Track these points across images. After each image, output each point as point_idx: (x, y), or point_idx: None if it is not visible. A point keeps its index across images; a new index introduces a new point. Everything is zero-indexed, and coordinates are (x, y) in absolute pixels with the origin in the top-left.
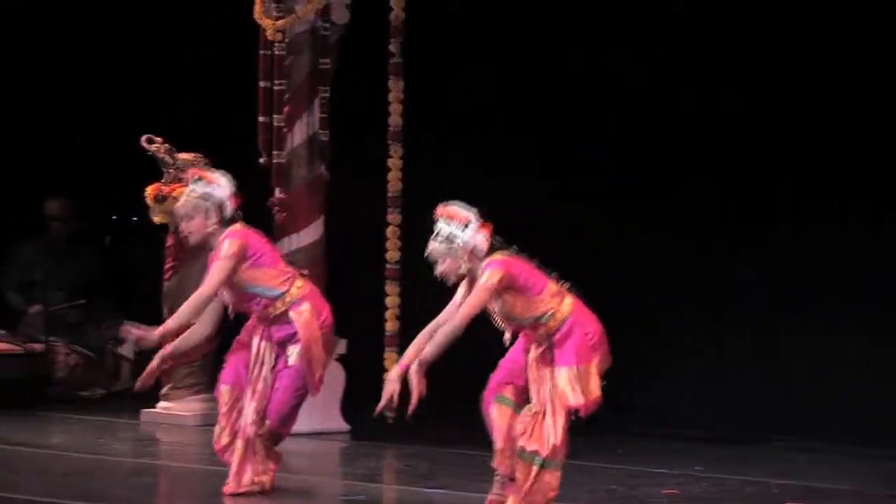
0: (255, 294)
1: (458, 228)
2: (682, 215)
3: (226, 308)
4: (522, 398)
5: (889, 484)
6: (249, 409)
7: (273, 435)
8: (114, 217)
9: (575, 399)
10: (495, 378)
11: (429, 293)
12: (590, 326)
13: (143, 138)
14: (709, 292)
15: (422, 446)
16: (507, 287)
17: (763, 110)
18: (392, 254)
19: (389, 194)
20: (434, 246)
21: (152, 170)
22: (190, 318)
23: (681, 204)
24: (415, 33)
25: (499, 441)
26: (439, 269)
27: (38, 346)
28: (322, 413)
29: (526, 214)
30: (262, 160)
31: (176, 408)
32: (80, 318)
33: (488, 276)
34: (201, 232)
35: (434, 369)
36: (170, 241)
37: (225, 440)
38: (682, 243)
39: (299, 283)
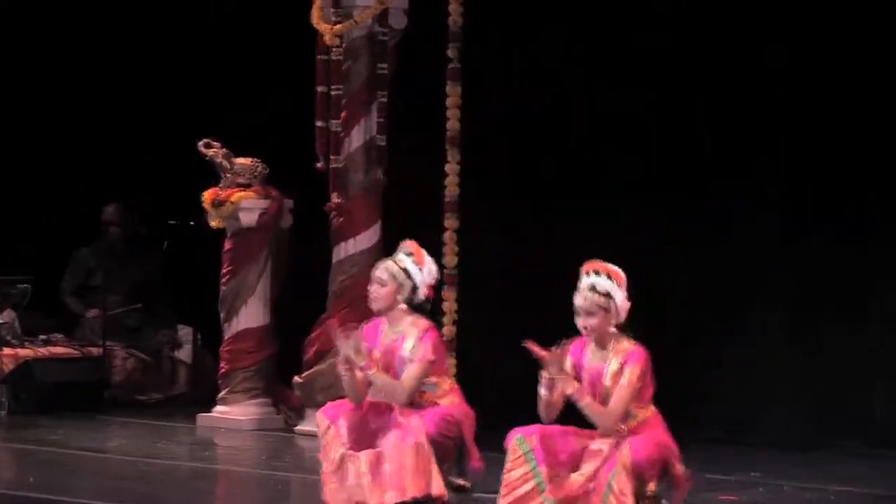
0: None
1: (616, 289)
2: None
3: None
4: (545, 452)
5: None
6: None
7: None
8: (171, 221)
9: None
10: (534, 426)
11: (485, 299)
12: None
13: (201, 143)
14: (767, 293)
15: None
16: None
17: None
18: (449, 259)
19: (447, 199)
20: (592, 298)
21: (210, 174)
22: (385, 397)
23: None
24: (473, 38)
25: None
26: (588, 322)
27: (95, 350)
28: None
29: (576, 215)
30: (319, 165)
31: (232, 412)
32: (138, 322)
33: (636, 372)
34: (388, 301)
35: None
36: (227, 245)
37: None
38: (752, 242)
39: (450, 381)
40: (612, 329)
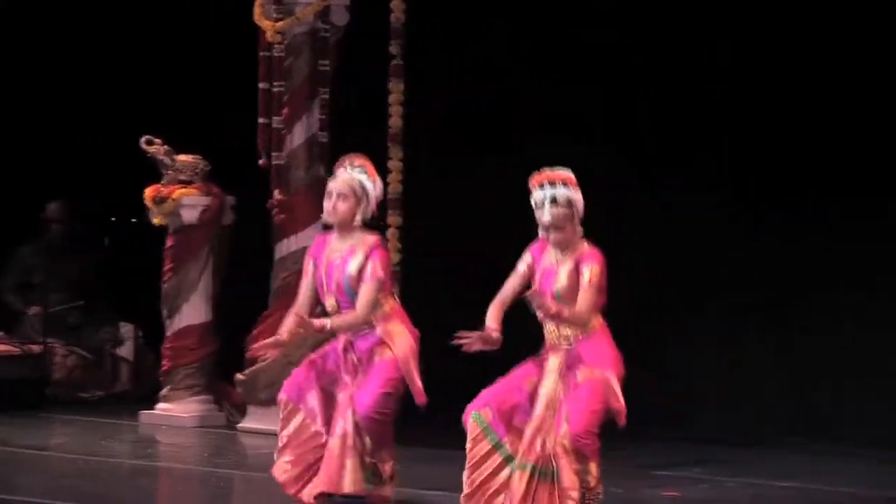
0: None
1: (574, 193)
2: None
3: None
4: (503, 421)
5: (885, 486)
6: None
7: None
8: (113, 219)
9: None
10: (484, 394)
11: (429, 295)
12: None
13: (143, 140)
14: (711, 293)
15: (418, 448)
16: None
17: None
18: (392, 256)
19: (389, 196)
20: (559, 212)
21: (151, 171)
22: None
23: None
24: (415, 35)
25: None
26: (558, 236)
27: (36, 348)
28: None
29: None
30: (261, 162)
31: (174, 409)
32: (79, 319)
33: (595, 270)
34: (349, 215)
35: (434, 371)
36: (169, 242)
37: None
38: (685, 241)
39: (392, 301)
40: (579, 232)
